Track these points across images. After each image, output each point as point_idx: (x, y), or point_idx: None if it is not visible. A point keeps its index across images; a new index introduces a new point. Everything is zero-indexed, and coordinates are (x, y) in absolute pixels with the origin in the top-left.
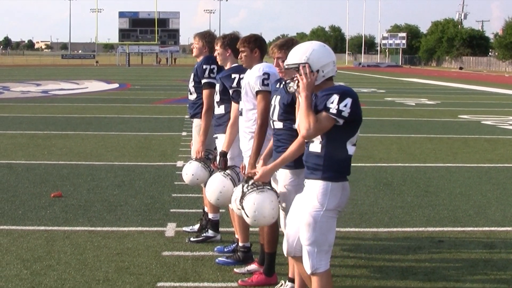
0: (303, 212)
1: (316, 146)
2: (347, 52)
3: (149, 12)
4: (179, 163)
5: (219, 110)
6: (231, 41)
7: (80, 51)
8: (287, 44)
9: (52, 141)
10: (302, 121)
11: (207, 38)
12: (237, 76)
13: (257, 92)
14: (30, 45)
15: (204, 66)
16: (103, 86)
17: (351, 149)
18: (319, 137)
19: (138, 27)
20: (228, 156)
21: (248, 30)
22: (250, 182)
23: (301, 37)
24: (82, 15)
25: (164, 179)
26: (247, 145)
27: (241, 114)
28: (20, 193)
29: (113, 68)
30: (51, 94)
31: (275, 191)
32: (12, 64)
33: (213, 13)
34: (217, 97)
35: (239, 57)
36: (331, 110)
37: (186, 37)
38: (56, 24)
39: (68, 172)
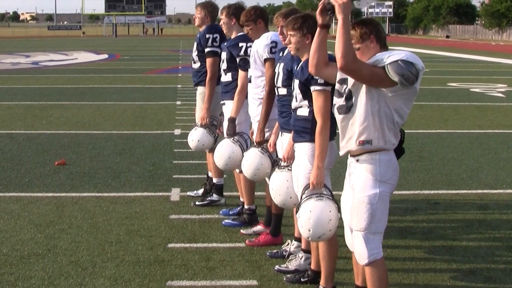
0: (298, 175)
1: (304, 110)
2: (333, 21)
3: None
4: (176, 131)
5: (226, 77)
6: (236, 10)
7: (65, 22)
8: (291, 13)
9: (48, 111)
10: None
11: (209, 8)
12: (244, 44)
13: (265, 60)
14: (15, 16)
15: (207, 35)
16: (92, 57)
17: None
18: (307, 102)
19: None
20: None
21: None
22: (305, 194)
23: (287, 6)
24: None
25: (163, 146)
26: (255, 111)
27: (250, 81)
28: (24, 161)
29: (100, 39)
30: (41, 66)
31: (335, 202)
32: None
33: None
34: (224, 65)
35: (245, 32)
36: (319, 81)
37: (172, 7)
38: None
39: (68, 141)
